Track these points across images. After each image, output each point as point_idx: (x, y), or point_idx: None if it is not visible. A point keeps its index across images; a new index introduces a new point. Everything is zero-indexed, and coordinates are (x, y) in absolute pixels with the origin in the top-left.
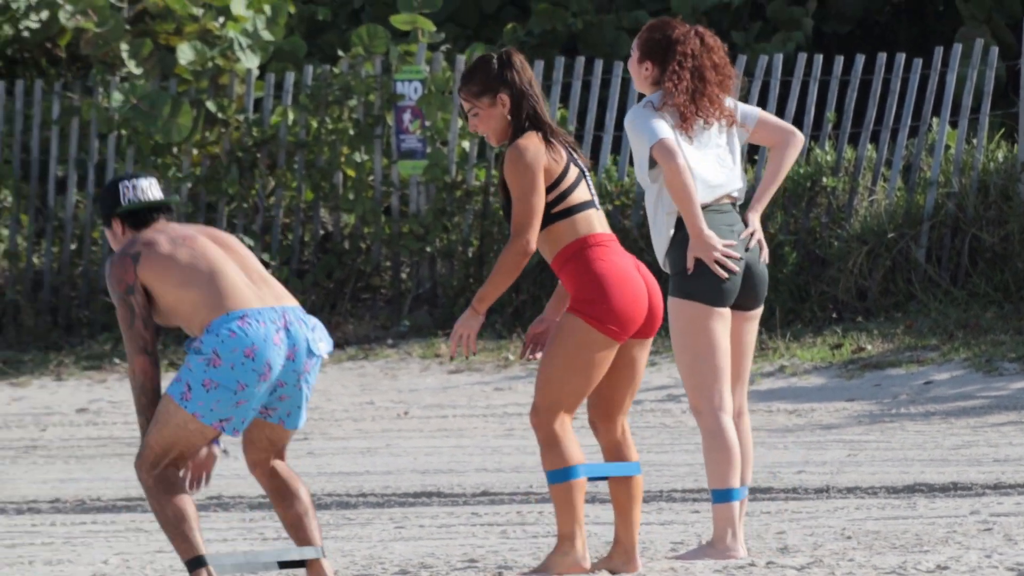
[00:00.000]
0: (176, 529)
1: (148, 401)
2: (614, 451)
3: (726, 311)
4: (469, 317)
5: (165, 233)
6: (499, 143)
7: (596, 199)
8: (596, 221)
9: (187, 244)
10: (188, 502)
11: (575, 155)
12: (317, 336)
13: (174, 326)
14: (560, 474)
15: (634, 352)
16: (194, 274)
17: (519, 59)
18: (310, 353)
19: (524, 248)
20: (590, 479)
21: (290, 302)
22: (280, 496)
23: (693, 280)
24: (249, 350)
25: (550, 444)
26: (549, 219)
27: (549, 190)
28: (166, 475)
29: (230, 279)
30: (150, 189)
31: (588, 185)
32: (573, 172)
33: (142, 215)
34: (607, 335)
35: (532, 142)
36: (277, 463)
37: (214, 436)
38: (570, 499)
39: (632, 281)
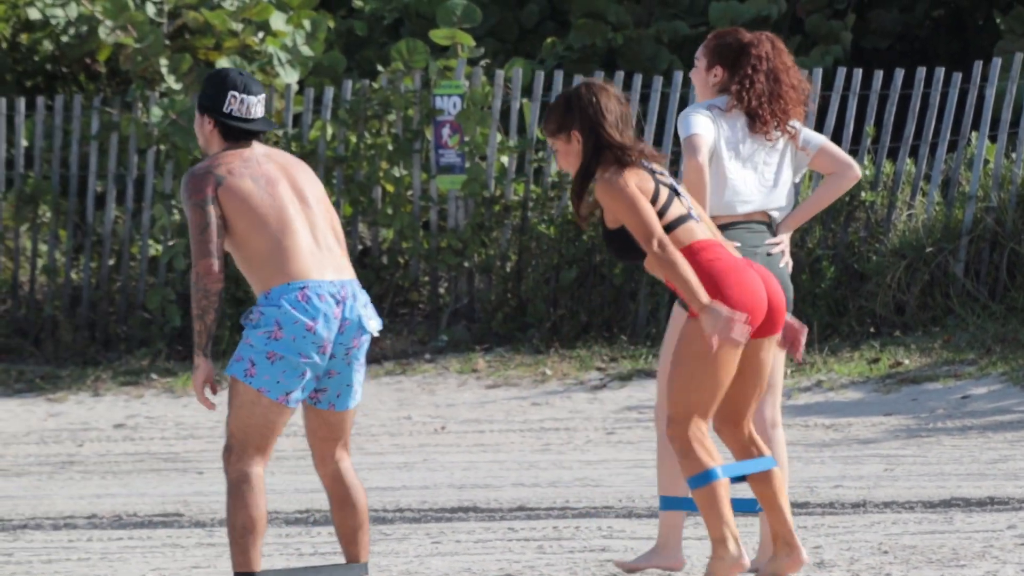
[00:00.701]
0: (240, 538)
1: (208, 304)
2: (744, 453)
3: None
4: (704, 318)
5: (251, 166)
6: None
7: (693, 210)
8: (697, 230)
9: (268, 188)
10: (261, 514)
11: (660, 175)
12: (368, 313)
13: (233, 260)
14: (700, 478)
15: (761, 354)
16: (267, 224)
17: (592, 91)
18: (362, 330)
19: (657, 253)
20: (732, 480)
21: (349, 275)
22: (340, 503)
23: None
24: (311, 324)
25: (686, 452)
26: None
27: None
28: (251, 476)
29: (298, 242)
30: (256, 107)
31: (681, 200)
32: (663, 192)
33: (237, 131)
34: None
35: (611, 169)
36: (344, 466)
37: (288, 414)
38: (715, 502)
39: (746, 275)
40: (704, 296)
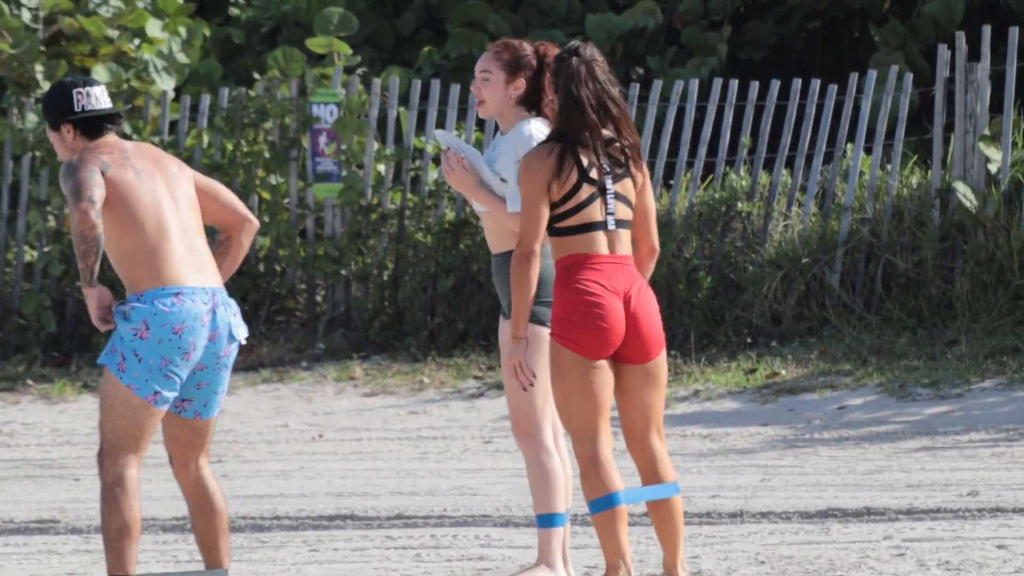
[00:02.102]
0: (115, 542)
1: (88, 248)
2: (648, 474)
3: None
4: (514, 348)
5: (129, 157)
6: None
7: (610, 219)
8: (598, 242)
9: (148, 184)
10: (135, 518)
11: (600, 172)
12: (237, 321)
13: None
14: (600, 503)
15: (628, 379)
16: (144, 223)
17: (577, 63)
18: (231, 338)
19: (521, 254)
20: (632, 503)
21: (218, 283)
22: (202, 510)
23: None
24: (179, 327)
25: (584, 473)
26: (551, 232)
27: (553, 207)
28: (125, 479)
29: (173, 246)
30: (103, 97)
31: (605, 204)
32: (586, 191)
33: (95, 124)
34: (577, 352)
35: (536, 156)
36: (205, 472)
37: (158, 416)
38: (612, 528)
39: (600, 304)
40: (521, 333)
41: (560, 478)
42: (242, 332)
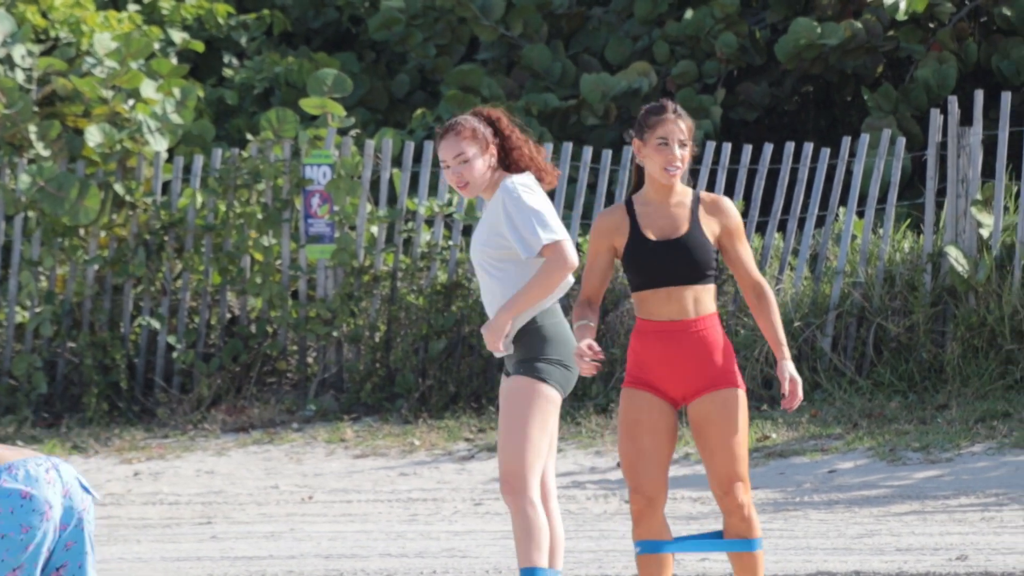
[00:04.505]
0: None
1: None
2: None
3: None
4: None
5: None
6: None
7: None
8: None
9: None
10: None
11: None
12: (81, 477)
13: None
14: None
15: None
16: None
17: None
18: (84, 489)
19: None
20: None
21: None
22: None
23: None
24: (25, 491)
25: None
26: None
27: None
28: None
29: None
30: None
31: None
32: None
33: None
34: None
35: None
36: None
37: None
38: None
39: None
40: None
41: (544, 532)
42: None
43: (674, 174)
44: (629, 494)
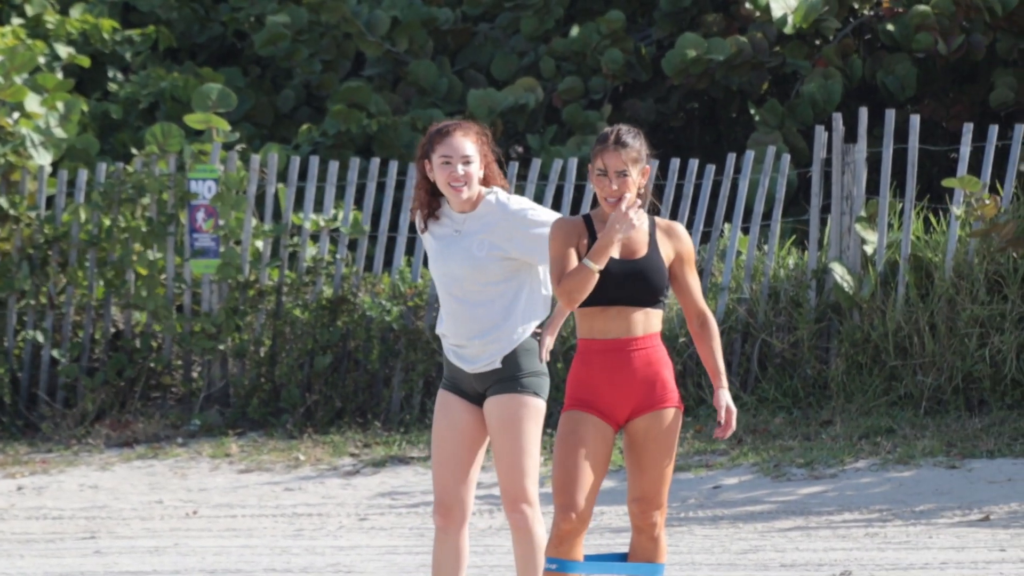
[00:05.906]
0: None
1: None
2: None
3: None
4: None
5: None
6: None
7: None
8: None
9: None
10: None
11: None
12: None
13: None
14: None
15: None
16: None
17: None
18: None
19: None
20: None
21: None
22: None
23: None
24: None
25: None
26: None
27: None
28: None
29: None
30: None
31: None
32: None
33: None
34: None
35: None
36: None
37: None
38: None
39: None
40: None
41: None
42: None
43: (613, 204)
44: (557, 513)
